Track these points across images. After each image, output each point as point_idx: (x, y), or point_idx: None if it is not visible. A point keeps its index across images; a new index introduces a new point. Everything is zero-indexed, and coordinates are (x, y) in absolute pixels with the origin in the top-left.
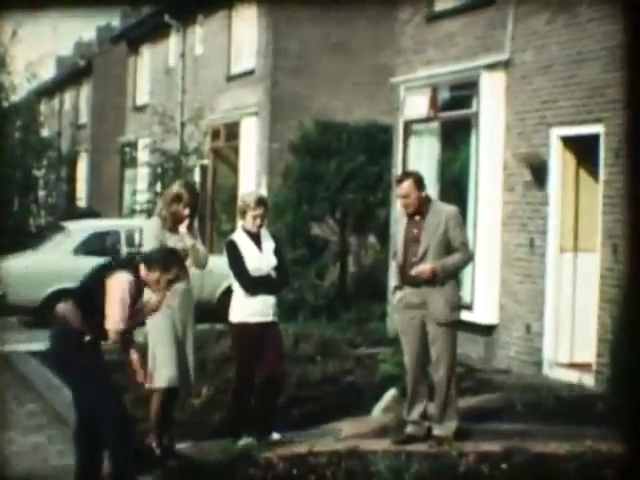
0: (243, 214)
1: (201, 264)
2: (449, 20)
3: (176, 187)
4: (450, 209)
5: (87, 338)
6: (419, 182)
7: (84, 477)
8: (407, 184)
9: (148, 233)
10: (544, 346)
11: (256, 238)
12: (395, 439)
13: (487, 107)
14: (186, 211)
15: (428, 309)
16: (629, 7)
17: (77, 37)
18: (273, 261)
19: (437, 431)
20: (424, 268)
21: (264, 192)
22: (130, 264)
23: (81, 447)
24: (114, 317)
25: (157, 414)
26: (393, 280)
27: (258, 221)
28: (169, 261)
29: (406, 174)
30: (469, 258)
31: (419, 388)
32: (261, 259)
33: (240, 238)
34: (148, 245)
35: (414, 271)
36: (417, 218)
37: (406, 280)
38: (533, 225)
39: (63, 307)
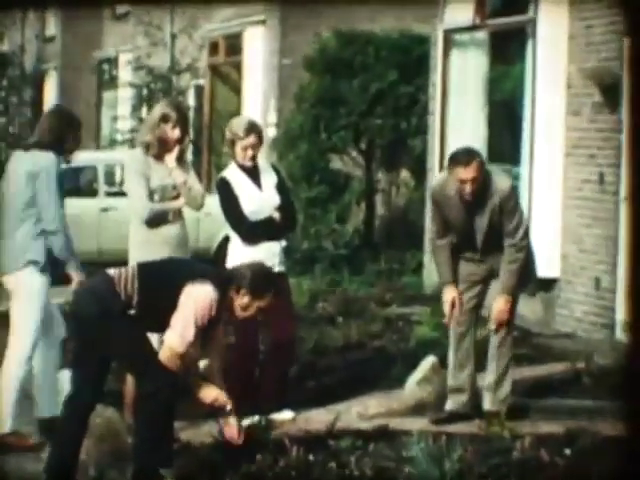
0: (232, 146)
1: (196, 203)
2: None
3: (161, 106)
4: (504, 188)
5: (132, 312)
6: (483, 162)
7: (58, 471)
8: (475, 166)
9: (130, 167)
10: (617, 305)
11: (253, 173)
12: (434, 417)
13: (547, 12)
14: (176, 132)
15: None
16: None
17: None
18: (275, 200)
19: (489, 404)
20: (501, 314)
21: (273, 118)
22: (218, 280)
23: (68, 427)
24: (179, 332)
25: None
26: (442, 271)
27: (250, 152)
28: (264, 285)
29: (471, 153)
30: (525, 247)
31: (466, 351)
32: (261, 199)
33: (234, 175)
34: (131, 182)
35: (494, 325)
36: (471, 201)
37: (462, 259)
38: (603, 157)
39: (121, 275)
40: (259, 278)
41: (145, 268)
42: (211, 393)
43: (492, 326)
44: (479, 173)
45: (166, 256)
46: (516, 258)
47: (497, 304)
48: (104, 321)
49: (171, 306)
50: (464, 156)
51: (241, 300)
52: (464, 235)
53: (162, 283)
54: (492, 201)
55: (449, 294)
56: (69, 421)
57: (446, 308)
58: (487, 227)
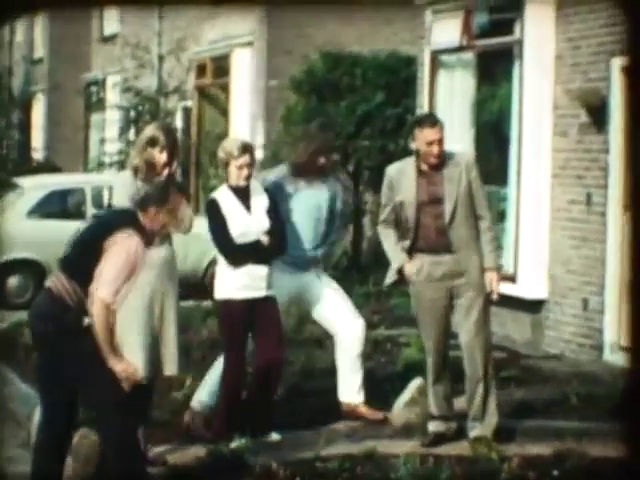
0: (226, 166)
1: (184, 227)
2: None
3: (150, 129)
4: (468, 156)
5: (87, 321)
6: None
7: None
8: (440, 127)
9: (119, 190)
10: (604, 326)
11: (244, 195)
12: (422, 440)
13: (533, 33)
14: (163, 156)
15: (462, 279)
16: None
17: None
18: (265, 223)
19: (474, 431)
20: (495, 284)
21: (261, 139)
22: (132, 218)
23: (43, 453)
24: (106, 281)
25: None
26: (394, 252)
27: (245, 172)
28: (161, 193)
29: (434, 116)
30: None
31: (444, 377)
32: (249, 222)
33: (223, 196)
34: (119, 205)
35: (495, 296)
36: (433, 171)
37: (423, 248)
38: (590, 178)
39: (54, 281)
40: (155, 188)
41: (65, 262)
42: (121, 363)
43: (494, 297)
44: (442, 136)
45: (153, 279)
46: (493, 237)
47: (492, 279)
48: (60, 339)
49: None
50: (429, 118)
51: (149, 216)
52: (428, 212)
53: (89, 259)
54: (459, 168)
55: (409, 268)
56: (44, 450)
57: (413, 278)
58: (456, 195)
